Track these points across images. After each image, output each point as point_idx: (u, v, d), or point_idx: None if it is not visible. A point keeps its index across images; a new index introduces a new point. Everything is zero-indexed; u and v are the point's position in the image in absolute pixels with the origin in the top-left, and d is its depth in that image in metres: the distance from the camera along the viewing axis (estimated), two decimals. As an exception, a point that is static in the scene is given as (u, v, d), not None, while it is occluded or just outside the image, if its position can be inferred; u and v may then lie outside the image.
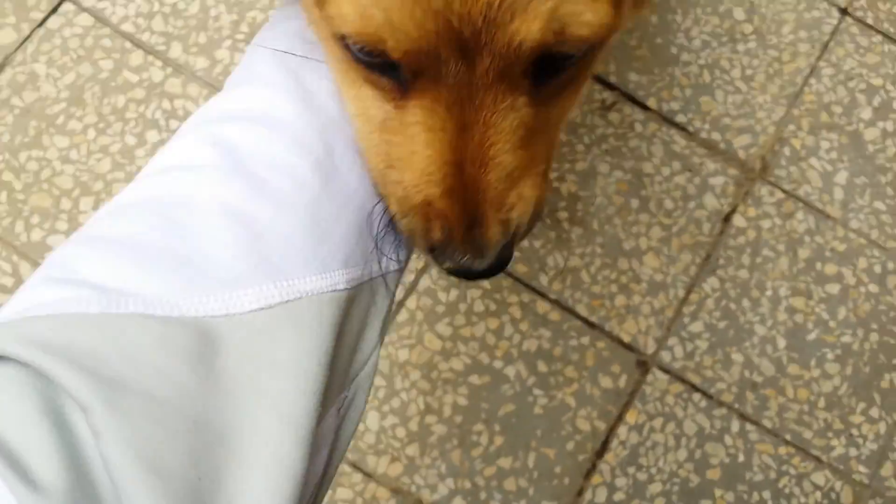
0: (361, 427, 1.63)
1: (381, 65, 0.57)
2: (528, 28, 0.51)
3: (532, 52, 0.54)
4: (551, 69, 0.57)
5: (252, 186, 0.55)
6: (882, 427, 1.74)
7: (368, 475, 1.62)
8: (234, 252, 0.52)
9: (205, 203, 0.54)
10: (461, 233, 0.61)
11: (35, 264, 1.65)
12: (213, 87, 1.82)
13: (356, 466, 1.62)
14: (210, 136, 0.58)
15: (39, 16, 1.80)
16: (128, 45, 1.80)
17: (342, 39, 0.57)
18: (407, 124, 0.59)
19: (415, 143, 0.59)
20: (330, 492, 1.60)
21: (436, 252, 0.63)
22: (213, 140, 0.58)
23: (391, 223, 0.63)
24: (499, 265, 0.62)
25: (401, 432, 1.65)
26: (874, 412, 1.76)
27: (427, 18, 0.51)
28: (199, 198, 0.54)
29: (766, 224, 1.87)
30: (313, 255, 0.54)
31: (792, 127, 1.93)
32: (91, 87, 1.79)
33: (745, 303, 1.81)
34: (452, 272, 0.64)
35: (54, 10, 1.81)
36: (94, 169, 1.74)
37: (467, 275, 0.63)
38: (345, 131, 0.61)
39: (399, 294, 1.73)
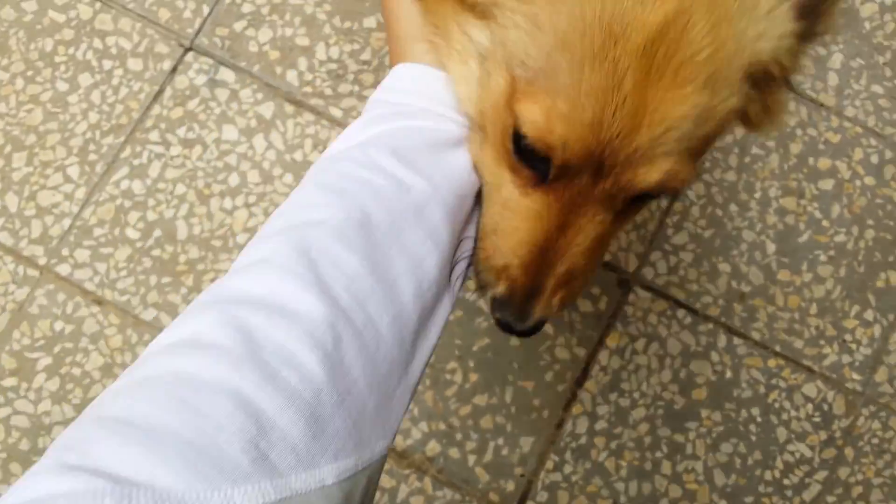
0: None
1: (534, 160, 0.75)
2: (650, 176, 0.73)
3: (641, 191, 0.75)
4: (638, 201, 0.79)
5: (264, 377, 0.60)
6: (877, 330, 1.68)
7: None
8: (239, 446, 0.56)
9: (219, 388, 0.58)
10: (518, 300, 0.80)
11: (-29, 233, 1.60)
12: (147, 20, 1.71)
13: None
14: (229, 317, 0.63)
15: (-50, -44, 1.68)
16: (46, -18, 1.68)
17: (514, 132, 0.74)
18: (524, 206, 0.77)
19: (521, 222, 0.78)
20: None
21: (494, 303, 0.82)
22: (232, 322, 0.62)
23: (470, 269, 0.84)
24: (531, 332, 0.83)
25: (371, 374, 1.62)
26: (868, 315, 1.69)
27: (592, 145, 0.71)
28: (214, 382, 0.58)
29: (753, 118, 1.75)
30: (305, 451, 0.60)
31: (781, 7, 1.78)
32: (15, 33, 1.69)
33: (733, 208, 1.72)
34: (497, 321, 0.84)
35: (-35, -51, 1.69)
36: (25, 121, 1.66)
37: (507, 329, 0.83)
38: (355, 321, 0.67)
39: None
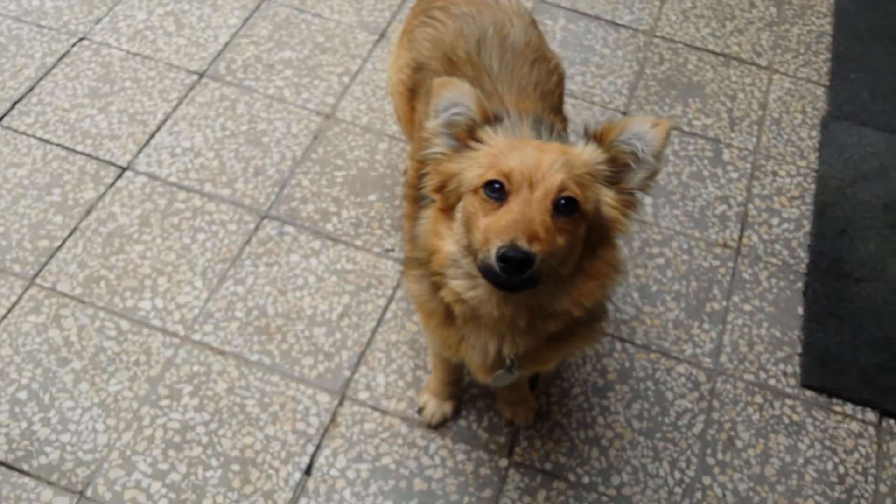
0: (374, 383, 2.26)
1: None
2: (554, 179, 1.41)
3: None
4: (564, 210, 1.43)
5: None
6: (713, 334, 2.48)
7: (384, 412, 2.23)
8: None
9: None
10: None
11: None
12: (236, 203, 2.57)
13: (375, 408, 2.23)
14: None
15: None
16: None
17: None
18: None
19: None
20: (359, 425, 2.20)
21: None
22: None
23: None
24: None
25: (401, 383, 2.28)
26: (706, 326, 2.49)
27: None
28: None
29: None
30: None
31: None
32: (154, 214, 2.52)
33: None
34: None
35: None
36: (164, 259, 2.43)
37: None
38: None
39: (383, 301, 2.42)
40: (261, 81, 2.88)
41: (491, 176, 1.43)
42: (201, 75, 2.88)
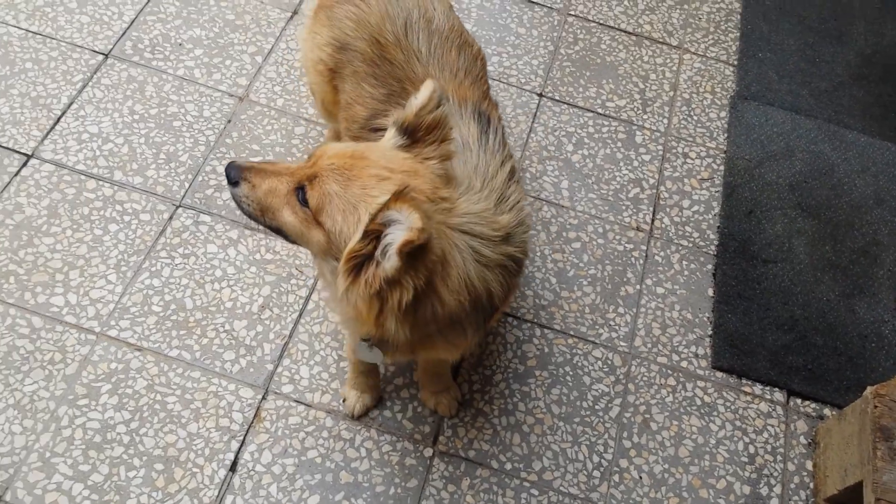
0: (298, 376, 2.29)
1: None
2: None
3: None
4: None
5: None
6: (628, 318, 2.59)
7: (309, 405, 2.26)
8: None
9: None
10: None
11: None
12: (149, 193, 2.54)
13: (299, 401, 2.26)
14: None
15: None
16: None
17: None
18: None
19: None
20: (283, 420, 2.23)
21: None
22: None
23: None
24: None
25: (325, 374, 2.32)
26: (621, 310, 2.60)
27: None
28: None
29: (527, 221, 2.73)
30: None
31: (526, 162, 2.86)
32: (62, 205, 2.46)
33: (529, 262, 2.64)
34: None
35: None
36: (76, 252, 2.38)
37: None
38: None
39: (305, 291, 2.44)
40: (170, 62, 2.82)
41: None
42: (107, 56, 2.80)
